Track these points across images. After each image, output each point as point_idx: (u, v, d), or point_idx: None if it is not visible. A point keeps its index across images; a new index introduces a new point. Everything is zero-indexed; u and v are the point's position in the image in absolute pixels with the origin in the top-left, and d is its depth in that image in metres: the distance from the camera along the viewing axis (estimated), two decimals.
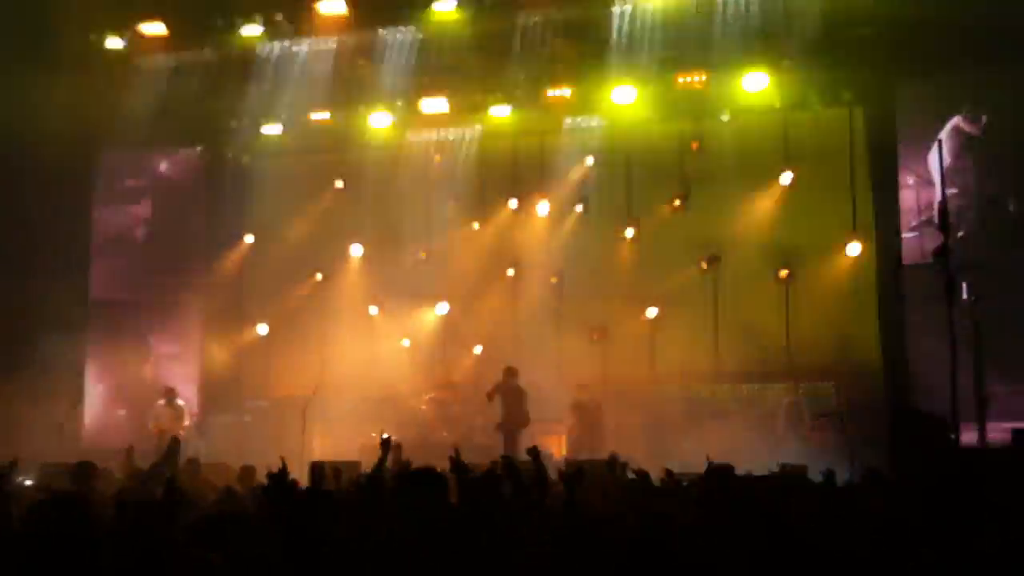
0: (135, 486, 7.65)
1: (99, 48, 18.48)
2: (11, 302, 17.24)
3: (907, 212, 15.40)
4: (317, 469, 5.47)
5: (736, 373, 16.88)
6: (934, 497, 6.36)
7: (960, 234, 14.23)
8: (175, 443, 9.56)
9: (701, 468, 10.11)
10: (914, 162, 15.41)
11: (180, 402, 16.40)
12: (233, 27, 18.18)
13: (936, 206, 12.47)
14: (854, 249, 16.40)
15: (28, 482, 10.83)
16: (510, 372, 15.95)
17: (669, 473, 9.21)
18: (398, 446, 13.54)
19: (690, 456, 12.94)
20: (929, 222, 14.19)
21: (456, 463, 6.16)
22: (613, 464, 9.21)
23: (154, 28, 18.05)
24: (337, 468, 8.71)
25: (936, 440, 9.29)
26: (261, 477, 10.00)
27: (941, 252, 11.09)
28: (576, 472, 6.40)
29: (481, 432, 16.24)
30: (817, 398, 15.84)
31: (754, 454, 11.97)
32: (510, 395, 15.81)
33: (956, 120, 15.11)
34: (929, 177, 14.93)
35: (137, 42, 18.39)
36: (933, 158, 14.64)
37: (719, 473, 9.72)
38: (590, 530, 5.28)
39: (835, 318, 16.21)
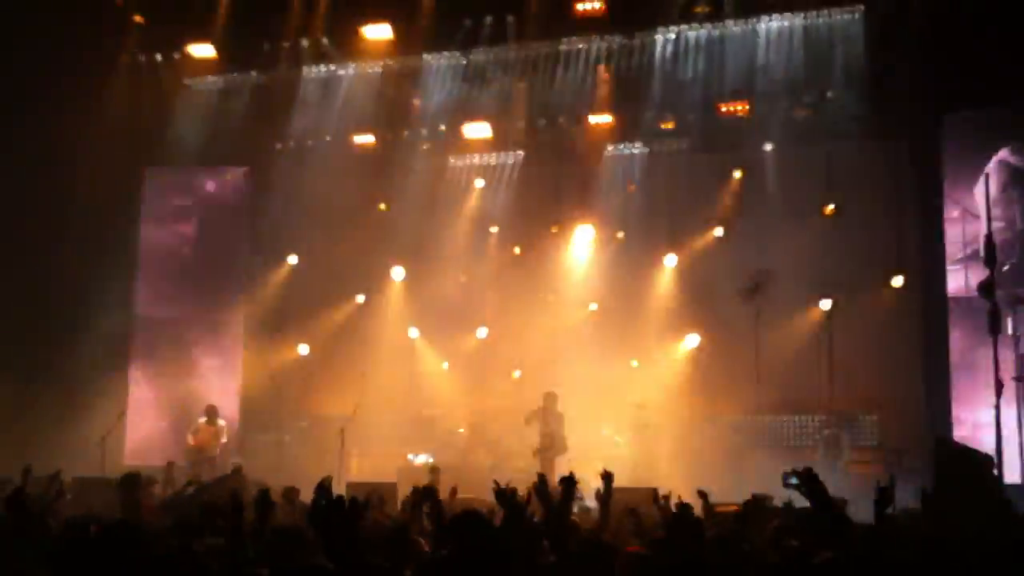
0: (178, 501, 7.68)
1: (150, 68, 18.86)
2: (57, 315, 17.49)
3: (952, 245, 15.25)
4: (322, 489, 5.11)
5: (776, 403, 16.73)
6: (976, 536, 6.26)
7: (1005, 268, 14.11)
8: (238, 470, 9.58)
9: (739, 498, 10.05)
10: (960, 195, 15.26)
11: (221, 422, 16.51)
12: (279, 50, 18.51)
13: (982, 239, 12.37)
14: (898, 281, 16.29)
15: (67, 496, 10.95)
16: (549, 397, 15.93)
17: (703, 496, 9.10)
18: (436, 469, 13.65)
19: (728, 486, 12.85)
20: (974, 255, 14.04)
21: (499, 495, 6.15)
22: (656, 495, 9.10)
23: (203, 50, 18.40)
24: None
25: (979, 476, 9.16)
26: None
27: (986, 285, 11.02)
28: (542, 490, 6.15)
29: (519, 456, 16.20)
30: (859, 430, 15.68)
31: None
32: (548, 420, 15.77)
33: (1003, 153, 14.97)
34: (975, 210, 14.78)
35: (186, 63, 18.76)
36: (979, 191, 14.50)
37: (758, 503, 9.65)
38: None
39: (878, 350, 16.04)
